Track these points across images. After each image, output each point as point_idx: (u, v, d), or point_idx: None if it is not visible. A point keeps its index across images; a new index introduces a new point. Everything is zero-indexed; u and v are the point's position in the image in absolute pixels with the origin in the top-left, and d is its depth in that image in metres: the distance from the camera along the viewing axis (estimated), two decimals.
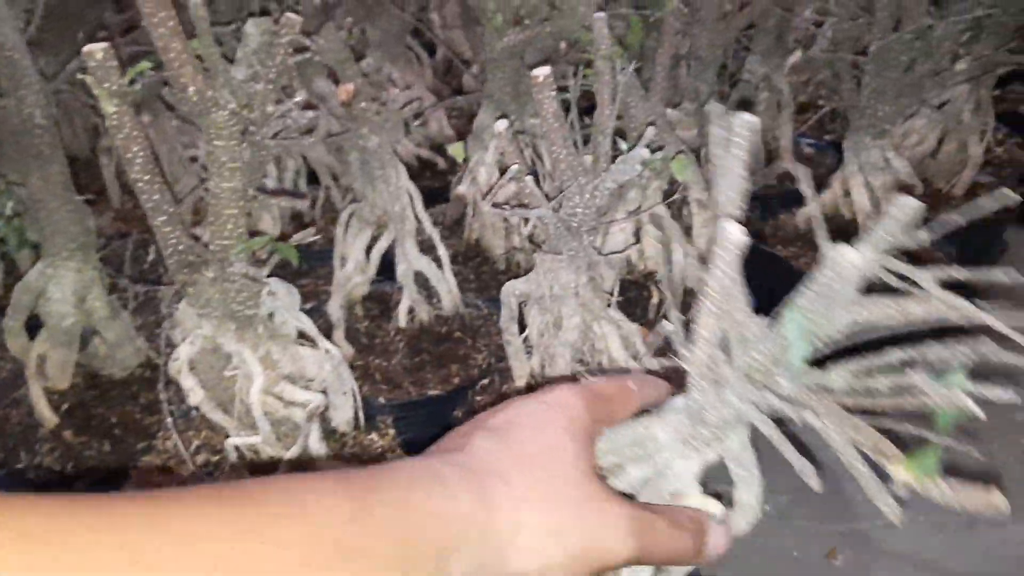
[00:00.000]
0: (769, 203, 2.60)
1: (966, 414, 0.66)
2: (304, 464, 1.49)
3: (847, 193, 2.30)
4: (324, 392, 1.48)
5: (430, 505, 0.58)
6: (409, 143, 2.66)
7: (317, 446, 1.48)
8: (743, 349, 0.75)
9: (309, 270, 2.20)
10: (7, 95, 1.47)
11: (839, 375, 0.74)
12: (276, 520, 0.50)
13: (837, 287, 0.68)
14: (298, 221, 2.46)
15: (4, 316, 1.72)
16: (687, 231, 2.03)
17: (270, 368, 1.39)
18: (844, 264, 0.68)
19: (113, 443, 1.63)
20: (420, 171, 2.64)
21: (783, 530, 2.05)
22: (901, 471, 0.71)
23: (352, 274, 1.94)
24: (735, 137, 0.74)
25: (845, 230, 2.38)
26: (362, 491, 0.56)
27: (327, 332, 1.81)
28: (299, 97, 1.27)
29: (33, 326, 1.70)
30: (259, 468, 1.49)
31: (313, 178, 2.44)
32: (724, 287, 0.74)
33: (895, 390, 0.70)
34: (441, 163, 2.66)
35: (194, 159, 1.87)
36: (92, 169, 2.56)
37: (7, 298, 2.12)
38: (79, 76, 1.01)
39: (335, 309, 1.91)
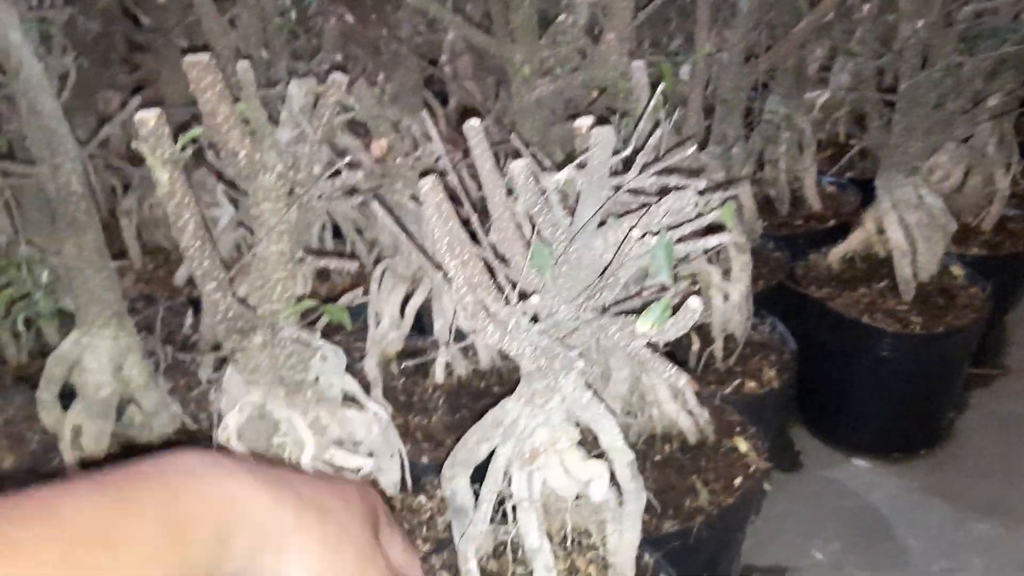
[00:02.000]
0: (797, 244, 2.57)
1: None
2: None
3: (881, 231, 2.27)
4: (371, 455, 1.43)
5: (206, 487, 0.58)
6: None
7: None
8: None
9: (338, 327, 2.16)
10: (41, 163, 1.45)
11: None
12: (30, 527, 0.50)
13: None
14: (323, 279, 2.43)
15: (33, 387, 1.69)
16: (725, 274, 2.00)
17: (319, 434, 1.35)
18: None
19: None
20: None
21: None
22: (642, 324, 0.97)
23: (387, 331, 1.90)
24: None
25: (879, 269, 2.35)
26: (123, 486, 0.57)
27: (364, 391, 1.76)
28: (348, 158, 1.24)
29: (65, 395, 1.66)
30: None
31: (337, 232, 2.41)
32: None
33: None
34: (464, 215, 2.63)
35: (240, 223, 1.85)
36: (110, 231, 2.53)
37: (32, 367, 2.10)
38: (133, 144, 0.98)
39: (371, 367, 1.87)
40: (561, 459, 1.22)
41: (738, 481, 1.64)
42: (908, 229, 2.20)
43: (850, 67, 2.59)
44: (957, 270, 2.34)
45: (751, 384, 1.97)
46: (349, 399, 1.47)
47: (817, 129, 2.90)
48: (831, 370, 2.34)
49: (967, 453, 2.37)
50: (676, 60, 1.83)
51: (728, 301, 1.98)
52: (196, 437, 1.73)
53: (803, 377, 2.09)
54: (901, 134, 2.11)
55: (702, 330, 2.07)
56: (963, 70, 2.00)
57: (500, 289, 1.10)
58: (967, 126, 2.23)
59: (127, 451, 1.69)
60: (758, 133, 2.63)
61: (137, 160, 2.51)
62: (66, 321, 2.00)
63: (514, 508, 1.23)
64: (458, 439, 1.79)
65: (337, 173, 1.26)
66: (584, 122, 1.32)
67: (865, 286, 2.31)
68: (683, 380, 1.63)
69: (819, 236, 2.62)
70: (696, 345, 1.98)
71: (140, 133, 1.00)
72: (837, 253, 2.39)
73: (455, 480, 1.22)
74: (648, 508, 1.26)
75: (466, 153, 2.36)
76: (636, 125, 1.41)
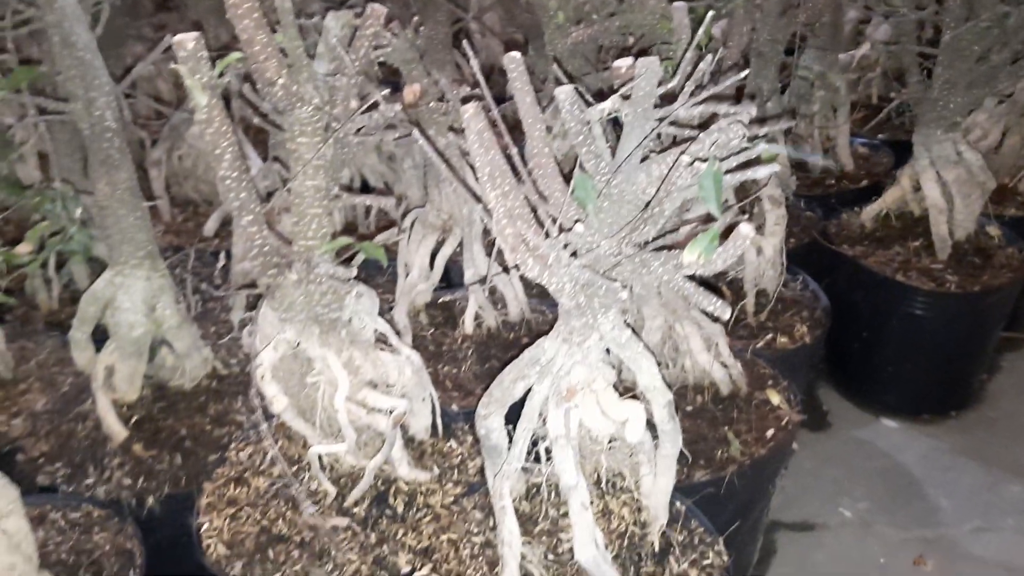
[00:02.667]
0: (830, 203, 2.54)
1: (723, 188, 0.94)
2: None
3: (917, 188, 2.23)
4: (405, 398, 1.43)
5: None
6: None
7: (399, 454, 1.42)
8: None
9: (367, 278, 2.15)
10: (75, 99, 1.44)
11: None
12: None
13: None
14: (352, 230, 2.41)
15: (64, 331, 1.69)
16: (759, 229, 1.97)
17: (353, 374, 1.34)
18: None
19: (184, 456, 1.59)
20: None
21: (866, 537, 1.97)
22: (689, 254, 0.97)
23: (416, 281, 1.89)
24: None
25: (913, 228, 2.31)
26: None
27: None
28: (385, 90, 1.22)
29: (97, 340, 1.66)
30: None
31: (365, 188, 2.40)
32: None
33: None
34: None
35: (276, 159, 1.83)
36: (140, 183, 2.53)
37: (62, 312, 2.11)
38: (172, 65, 0.96)
39: (401, 317, 1.87)
40: (597, 399, 1.21)
41: (770, 433, 1.63)
42: (945, 186, 2.16)
43: (891, 21, 2.52)
44: (994, 230, 2.29)
45: (783, 339, 1.95)
46: (382, 343, 1.46)
47: (851, 90, 2.85)
48: (862, 329, 2.32)
49: (999, 415, 2.34)
50: (715, 6, 1.79)
51: (761, 255, 1.96)
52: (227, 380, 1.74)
53: (832, 337, 2.07)
54: (942, 88, 2.07)
55: (734, 285, 2.05)
56: (1009, 21, 1.95)
57: (540, 223, 1.09)
58: (1011, 79, 2.17)
59: (159, 393, 1.70)
60: (792, 90, 2.59)
61: (163, 115, 2.51)
62: (96, 268, 2.00)
63: (548, 450, 1.23)
64: (487, 388, 1.79)
65: (374, 107, 1.25)
66: (624, 63, 1.29)
67: (899, 244, 2.28)
68: (716, 328, 1.62)
69: (852, 195, 2.58)
70: (728, 299, 1.96)
71: (179, 56, 0.98)
72: (871, 211, 2.35)
73: (490, 419, 1.21)
74: (680, 458, 1.25)
75: (499, 102, 2.33)
76: (678, 65, 1.38)
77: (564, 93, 1.01)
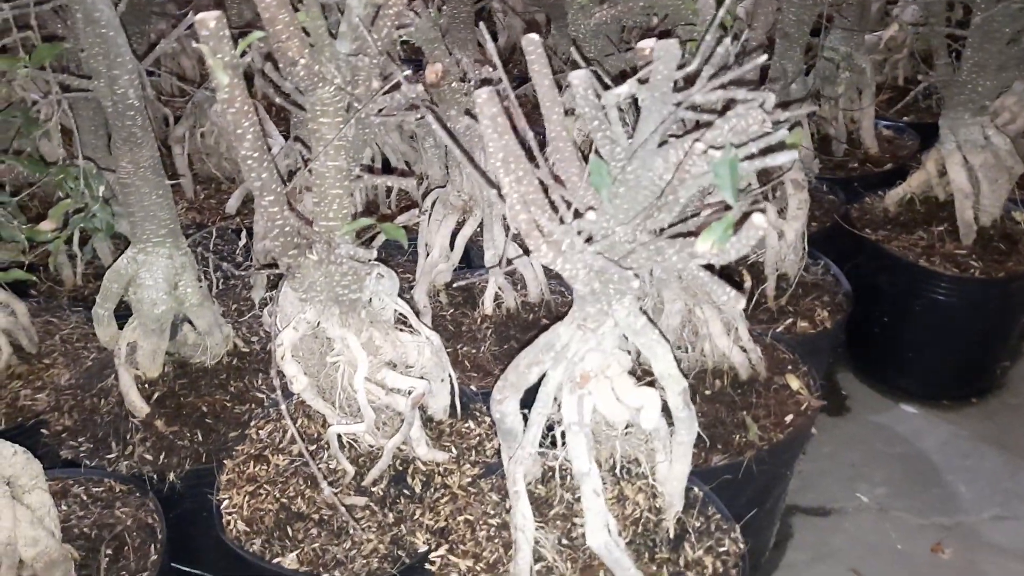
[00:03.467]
0: (852, 186, 2.51)
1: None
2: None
3: (942, 173, 2.20)
4: (424, 379, 1.43)
5: None
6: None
7: (418, 435, 1.43)
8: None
9: (387, 258, 2.16)
10: (98, 76, 1.45)
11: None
12: None
13: None
14: (373, 210, 2.42)
15: (88, 308, 1.70)
16: (780, 213, 1.96)
17: (373, 354, 1.35)
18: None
19: (205, 432, 1.60)
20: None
21: (884, 523, 1.97)
22: (702, 243, 0.95)
23: (437, 261, 1.89)
24: None
25: (938, 213, 2.29)
26: None
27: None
28: (407, 71, 1.22)
29: (120, 317, 1.68)
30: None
31: (387, 167, 2.40)
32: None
33: None
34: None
35: (297, 138, 1.83)
36: (162, 161, 2.54)
37: (86, 289, 2.13)
38: (194, 44, 0.96)
39: (421, 296, 1.87)
40: (612, 385, 1.20)
41: (789, 418, 1.62)
42: (972, 171, 2.13)
43: (919, 1, 2.49)
44: (1021, 216, 2.26)
45: (803, 324, 1.94)
46: (402, 323, 1.47)
47: (876, 71, 2.81)
48: (882, 314, 2.30)
49: (1021, 402, 2.32)
50: None
51: (783, 239, 1.94)
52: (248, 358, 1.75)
53: (853, 321, 2.05)
54: (971, 70, 2.03)
55: (754, 268, 2.03)
56: None
57: (555, 208, 1.08)
58: None
59: (180, 370, 1.71)
60: (817, 71, 2.56)
61: (187, 92, 2.51)
62: (120, 245, 2.02)
63: (563, 434, 1.23)
64: (506, 369, 1.79)
65: (396, 88, 1.24)
66: (648, 43, 1.27)
67: (923, 229, 2.25)
68: (740, 303, 1.61)
69: (876, 179, 2.55)
70: (748, 283, 1.95)
71: (200, 34, 0.98)
72: (895, 195, 2.33)
73: (505, 403, 1.21)
74: (697, 442, 1.25)
75: (521, 82, 2.30)
76: (699, 45, 1.37)
77: (578, 78, 1.00)
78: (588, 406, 1.19)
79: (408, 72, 1.23)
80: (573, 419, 1.18)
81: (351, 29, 1.21)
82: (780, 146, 1.07)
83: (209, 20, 1.00)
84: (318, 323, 1.31)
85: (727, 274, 2.01)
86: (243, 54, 1.05)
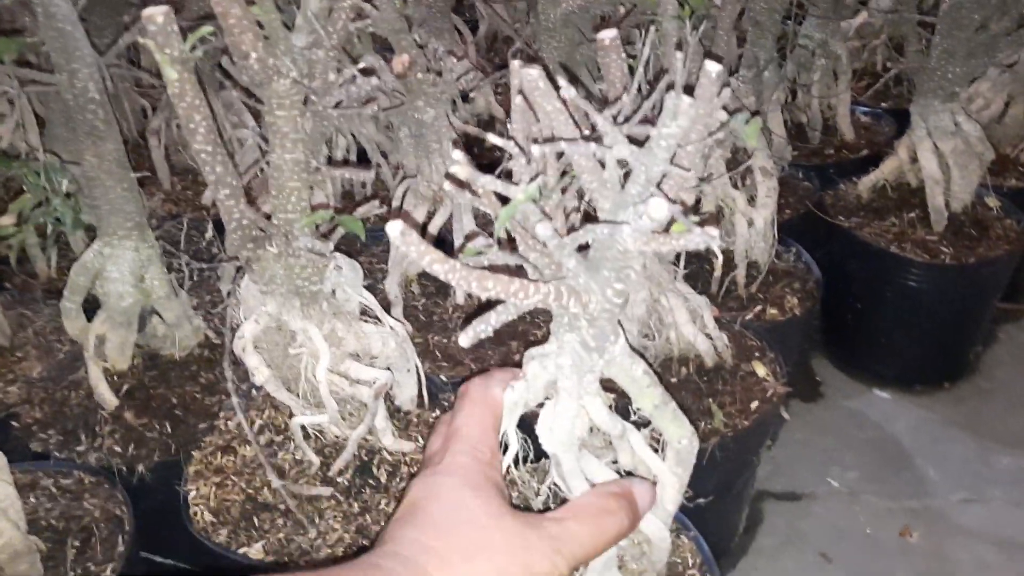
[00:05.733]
0: (827, 173, 2.52)
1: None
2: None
3: (914, 159, 2.22)
4: (389, 370, 1.44)
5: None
6: (456, 120, 2.61)
7: (383, 425, 1.44)
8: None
9: (363, 248, 2.16)
10: (59, 70, 1.45)
11: None
12: None
13: None
14: (349, 200, 2.42)
15: (59, 298, 1.71)
16: (751, 200, 1.97)
17: (335, 346, 1.36)
18: None
19: (174, 424, 1.61)
20: (467, 148, 2.59)
21: (853, 507, 1.99)
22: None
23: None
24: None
25: (910, 199, 2.30)
26: None
27: (384, 310, 1.77)
28: (362, 64, 1.22)
29: (89, 308, 1.68)
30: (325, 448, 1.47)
31: (362, 156, 2.40)
32: None
33: None
34: (489, 140, 2.60)
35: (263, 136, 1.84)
36: (140, 152, 2.54)
37: (60, 281, 2.13)
38: (141, 41, 0.97)
39: (392, 287, 1.88)
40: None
41: (755, 405, 1.63)
42: (942, 157, 2.14)
43: None
44: (993, 201, 2.28)
45: (772, 311, 1.96)
46: (365, 314, 1.47)
47: (853, 58, 2.82)
48: (856, 300, 2.32)
49: (993, 387, 2.35)
50: None
51: (752, 227, 1.95)
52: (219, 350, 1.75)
53: (827, 307, 2.07)
54: (941, 57, 2.04)
55: (724, 256, 2.04)
56: None
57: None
58: (1011, 49, 2.14)
59: (150, 362, 1.72)
60: (792, 59, 2.56)
61: (163, 84, 2.50)
62: (93, 236, 2.02)
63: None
64: (476, 359, 1.80)
65: (352, 81, 1.25)
66: (607, 34, 1.28)
67: (895, 216, 2.27)
68: (701, 300, 1.62)
69: (851, 166, 2.56)
70: (718, 271, 1.96)
71: (148, 30, 0.98)
72: (867, 182, 2.34)
73: None
74: None
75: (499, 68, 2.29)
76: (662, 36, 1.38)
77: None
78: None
79: (364, 65, 1.24)
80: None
81: (306, 22, 1.21)
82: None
83: (157, 15, 1.00)
84: (280, 315, 1.32)
85: (699, 260, 2.03)
86: (193, 49, 1.05)
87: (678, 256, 1.71)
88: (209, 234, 1.96)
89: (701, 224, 0.97)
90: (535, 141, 0.91)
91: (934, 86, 2.09)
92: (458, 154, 0.83)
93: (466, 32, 2.99)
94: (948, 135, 2.12)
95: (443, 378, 1.70)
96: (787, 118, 2.57)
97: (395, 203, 1.89)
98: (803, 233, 2.22)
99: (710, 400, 1.63)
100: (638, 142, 0.92)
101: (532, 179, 0.87)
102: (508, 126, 1.02)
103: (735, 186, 1.97)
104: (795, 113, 2.70)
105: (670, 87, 1.02)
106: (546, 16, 1.89)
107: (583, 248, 1.01)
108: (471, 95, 2.69)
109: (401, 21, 1.68)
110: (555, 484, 1.17)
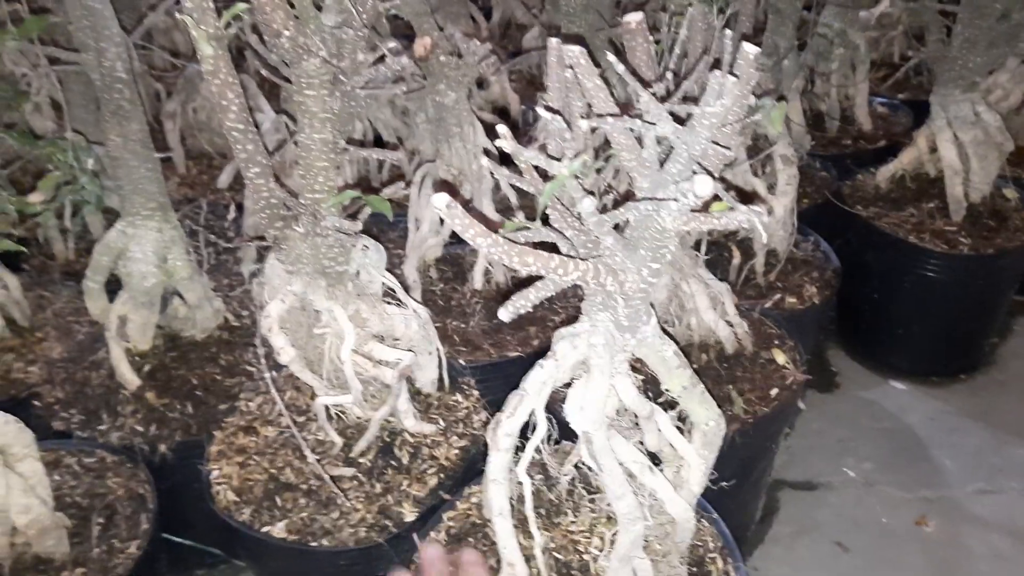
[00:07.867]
0: (844, 163, 2.52)
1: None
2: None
3: (933, 149, 2.21)
4: (411, 351, 1.44)
5: None
6: (472, 105, 2.61)
7: (405, 407, 1.45)
8: None
9: (379, 233, 2.16)
10: (86, 49, 1.45)
11: None
12: None
13: None
14: (364, 185, 2.42)
15: (79, 282, 1.71)
16: (770, 188, 1.96)
17: (360, 326, 1.36)
18: None
19: (195, 405, 1.62)
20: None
21: (869, 497, 1.99)
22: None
23: (427, 236, 1.90)
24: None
25: (928, 189, 2.29)
26: None
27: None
28: (391, 43, 1.22)
29: (110, 290, 1.69)
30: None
31: (378, 142, 2.40)
32: None
33: None
34: (504, 126, 2.60)
35: (284, 111, 1.84)
36: (155, 136, 2.53)
37: (78, 263, 2.14)
38: (178, 16, 0.97)
39: (411, 271, 1.88)
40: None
41: (774, 392, 1.63)
42: (962, 147, 2.13)
43: None
44: (1011, 192, 2.27)
45: (791, 300, 1.95)
46: (389, 296, 1.48)
47: (872, 48, 2.81)
48: (873, 291, 2.31)
49: (1009, 379, 2.34)
50: None
51: (772, 215, 1.95)
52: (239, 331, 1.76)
53: (843, 298, 2.06)
54: (961, 47, 2.03)
55: (744, 244, 2.04)
56: None
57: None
58: None
59: (171, 343, 1.72)
60: (811, 47, 2.55)
61: (178, 67, 2.51)
62: (111, 219, 2.02)
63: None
64: (495, 344, 1.80)
65: (381, 60, 1.24)
66: (633, 18, 1.28)
67: (913, 206, 2.26)
68: (722, 287, 1.62)
69: (868, 156, 2.55)
70: (737, 259, 1.96)
71: (184, 6, 0.98)
72: (886, 172, 2.33)
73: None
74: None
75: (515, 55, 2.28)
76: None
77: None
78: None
79: (393, 45, 1.24)
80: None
81: (336, 2, 1.21)
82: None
83: None
84: (305, 295, 1.32)
85: (718, 248, 2.02)
86: (227, 26, 1.05)
87: (698, 242, 1.71)
88: (228, 216, 1.96)
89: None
90: (581, 117, 0.91)
91: (955, 75, 2.08)
92: (503, 128, 0.83)
93: (480, 19, 2.99)
94: (968, 125, 2.12)
95: (462, 362, 1.71)
96: (806, 107, 2.57)
97: (413, 189, 1.89)
98: (820, 222, 2.21)
99: (730, 387, 1.63)
100: (680, 119, 0.92)
101: (576, 156, 0.88)
102: (540, 104, 1.02)
103: (755, 174, 1.97)
104: (814, 102, 2.69)
105: (714, 66, 1.02)
106: (567, 1, 1.89)
107: (618, 228, 1.02)
108: (487, 81, 2.69)
109: (424, 4, 1.68)
110: (582, 463, 1.19)
